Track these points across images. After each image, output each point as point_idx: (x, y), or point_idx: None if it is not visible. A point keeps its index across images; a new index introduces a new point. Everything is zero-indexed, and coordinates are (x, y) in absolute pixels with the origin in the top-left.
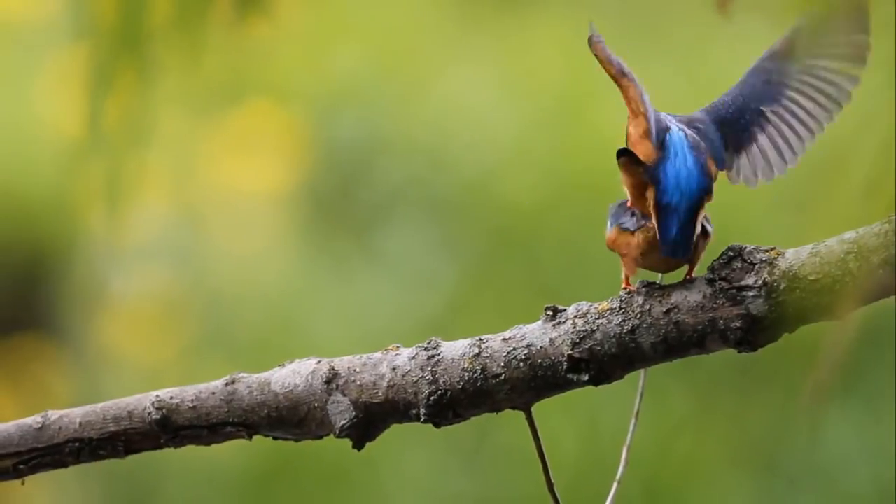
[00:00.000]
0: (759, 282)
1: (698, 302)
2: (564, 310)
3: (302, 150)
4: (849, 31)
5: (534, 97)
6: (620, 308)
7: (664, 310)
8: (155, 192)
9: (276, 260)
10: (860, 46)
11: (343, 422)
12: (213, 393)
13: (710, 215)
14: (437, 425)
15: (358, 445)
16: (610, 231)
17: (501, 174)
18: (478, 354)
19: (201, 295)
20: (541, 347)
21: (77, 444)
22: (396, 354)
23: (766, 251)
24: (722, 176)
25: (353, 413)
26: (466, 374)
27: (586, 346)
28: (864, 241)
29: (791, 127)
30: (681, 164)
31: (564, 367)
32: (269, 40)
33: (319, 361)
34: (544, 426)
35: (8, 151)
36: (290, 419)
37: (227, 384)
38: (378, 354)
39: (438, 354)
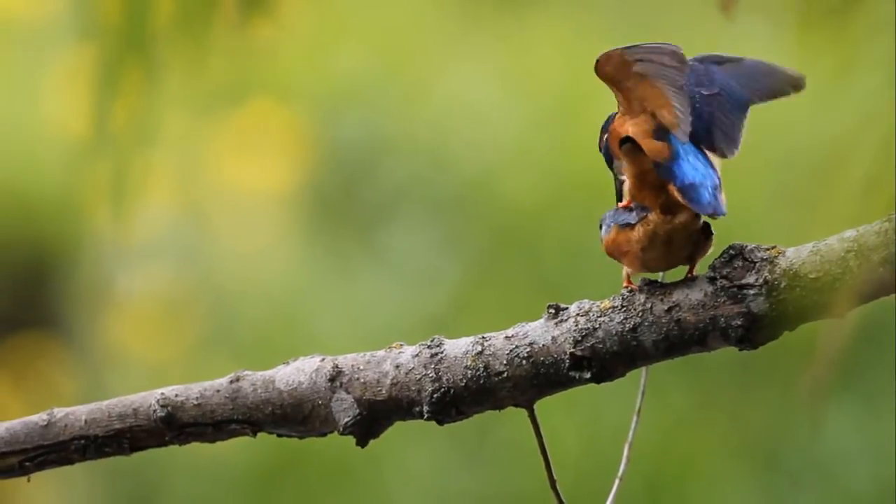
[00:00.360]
0: (760, 280)
1: (699, 300)
2: (566, 308)
3: (305, 149)
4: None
5: (535, 96)
6: (622, 306)
7: (666, 308)
8: (160, 191)
9: (280, 258)
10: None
11: (347, 419)
12: (218, 390)
13: (710, 224)
14: (440, 423)
15: (361, 443)
16: (608, 233)
17: (503, 173)
18: (481, 352)
19: (206, 293)
20: (543, 345)
21: (83, 442)
22: (400, 352)
23: (767, 249)
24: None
25: (357, 410)
26: (469, 371)
27: (588, 344)
28: (864, 240)
29: (730, 108)
30: (693, 161)
31: (567, 364)
32: (272, 41)
33: (323, 359)
34: (546, 423)
35: (14, 151)
36: (295, 416)
37: (231, 382)
38: (381, 352)
39: (441, 352)
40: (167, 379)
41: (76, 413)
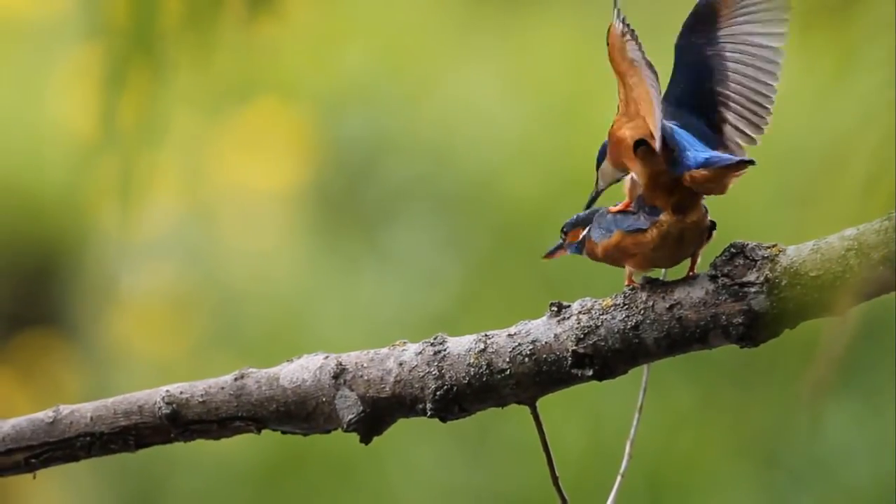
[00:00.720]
0: (761, 278)
1: (701, 298)
2: (569, 306)
3: (310, 148)
4: None
5: (538, 96)
6: (624, 304)
7: (667, 306)
8: (165, 190)
9: (285, 257)
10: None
11: (350, 416)
12: (223, 388)
13: (712, 212)
14: (443, 420)
15: (365, 439)
16: (606, 238)
17: (506, 172)
18: (483, 350)
19: (211, 291)
20: (545, 343)
21: (88, 439)
22: (403, 350)
23: (768, 248)
24: None
25: (361, 407)
26: (472, 369)
27: (590, 342)
28: (864, 238)
29: (749, 98)
30: (701, 148)
31: (569, 362)
32: (277, 40)
33: (327, 357)
34: (549, 420)
35: (21, 149)
36: (299, 413)
37: (236, 379)
38: (385, 350)
39: (444, 350)
40: (172, 376)
41: (82, 410)
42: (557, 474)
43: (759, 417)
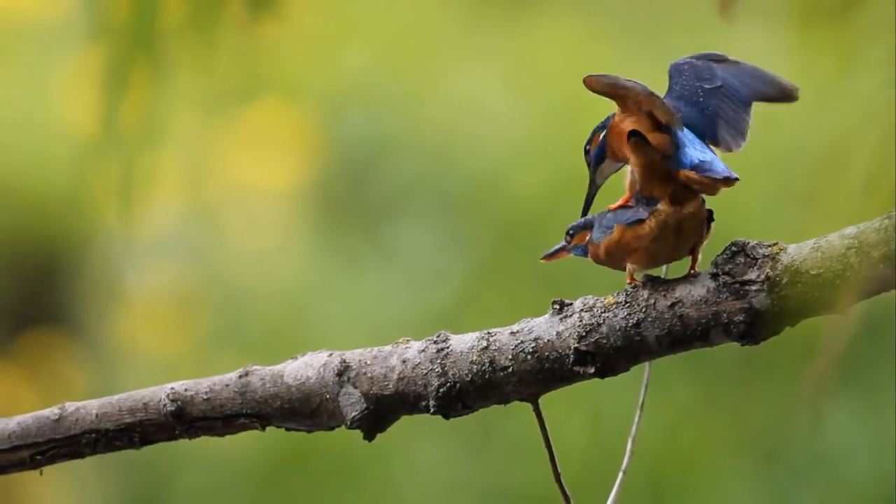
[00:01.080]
0: (762, 276)
1: (702, 296)
2: (571, 304)
3: (313, 147)
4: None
5: (540, 95)
6: (626, 302)
7: (669, 304)
8: (169, 189)
9: (288, 255)
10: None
11: (354, 413)
12: (227, 385)
13: (713, 211)
14: (446, 417)
15: (369, 436)
16: (607, 235)
17: (509, 171)
18: (486, 347)
19: (215, 289)
20: (548, 340)
21: (93, 435)
22: (406, 347)
23: (769, 246)
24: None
25: (364, 405)
26: (475, 366)
27: (592, 340)
28: (864, 237)
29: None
30: (699, 147)
31: (571, 359)
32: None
33: (331, 354)
34: (551, 418)
35: (25, 149)
36: (303, 411)
37: (240, 376)
38: (388, 347)
39: (447, 347)
40: (177, 374)
41: (87, 407)
42: (560, 471)
43: (759, 414)
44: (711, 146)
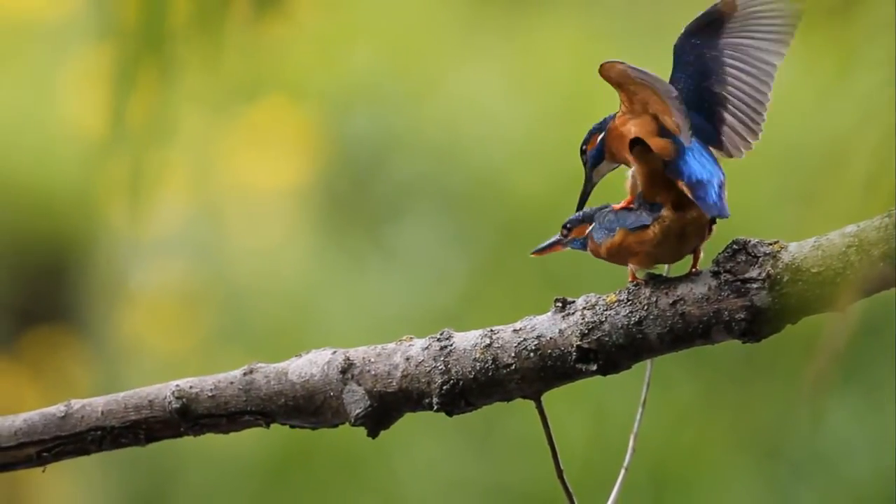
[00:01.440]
0: (763, 274)
1: (703, 294)
2: (573, 301)
3: (317, 146)
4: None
5: (542, 94)
6: (628, 300)
7: (670, 301)
8: (174, 188)
9: (292, 253)
10: (789, 24)
11: (358, 410)
12: (232, 382)
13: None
14: (449, 414)
15: (372, 434)
16: (609, 237)
17: (511, 169)
18: (489, 345)
19: (220, 287)
20: (550, 338)
21: (99, 433)
22: (410, 345)
23: (770, 244)
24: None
25: (368, 402)
26: (478, 364)
27: (595, 337)
28: (864, 235)
29: (745, 104)
30: (698, 156)
31: (573, 357)
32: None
33: (335, 352)
34: (553, 415)
35: (32, 148)
36: (307, 408)
37: (245, 374)
38: (392, 345)
39: (451, 345)
40: (182, 371)
41: (93, 405)
42: (562, 468)
43: (760, 412)
44: (715, 151)
